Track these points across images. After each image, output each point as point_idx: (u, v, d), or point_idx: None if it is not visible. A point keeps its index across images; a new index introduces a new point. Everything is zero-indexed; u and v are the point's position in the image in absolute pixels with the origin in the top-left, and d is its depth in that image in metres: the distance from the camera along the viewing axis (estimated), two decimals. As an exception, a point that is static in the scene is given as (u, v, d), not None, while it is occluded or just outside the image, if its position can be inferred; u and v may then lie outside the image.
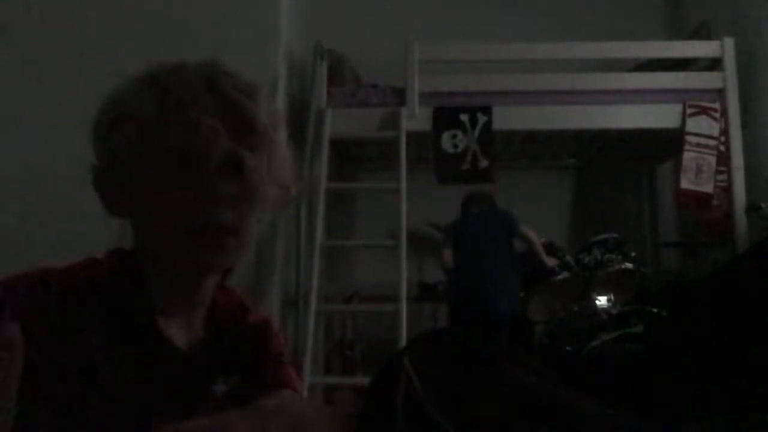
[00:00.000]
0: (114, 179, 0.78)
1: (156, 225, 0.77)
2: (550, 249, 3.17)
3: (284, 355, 1.00)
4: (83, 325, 0.72)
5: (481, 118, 3.31)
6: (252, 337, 0.95)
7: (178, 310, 0.83)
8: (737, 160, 3.24)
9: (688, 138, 3.27)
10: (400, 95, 3.36)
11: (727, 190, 3.24)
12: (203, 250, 0.76)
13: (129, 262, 0.80)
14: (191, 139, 0.74)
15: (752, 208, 3.11)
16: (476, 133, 3.31)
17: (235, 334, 0.92)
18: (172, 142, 0.75)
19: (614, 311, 2.82)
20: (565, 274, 3.03)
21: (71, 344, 0.70)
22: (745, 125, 3.27)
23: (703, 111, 3.29)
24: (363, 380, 3.10)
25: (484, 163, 3.31)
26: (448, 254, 3.32)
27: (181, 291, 0.83)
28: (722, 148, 3.27)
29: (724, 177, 3.26)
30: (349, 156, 4.03)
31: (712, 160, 3.26)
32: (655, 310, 2.72)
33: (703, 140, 3.27)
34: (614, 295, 3.05)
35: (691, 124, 3.28)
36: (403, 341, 2.92)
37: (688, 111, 3.29)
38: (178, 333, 0.83)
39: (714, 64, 3.41)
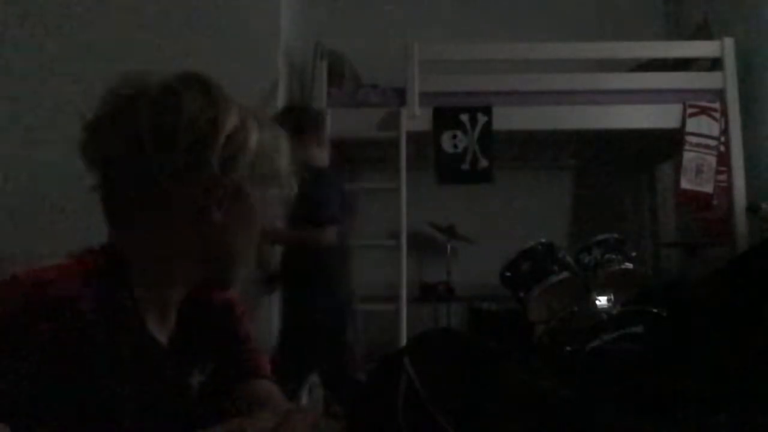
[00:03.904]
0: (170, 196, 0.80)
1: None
2: (550, 249, 3.17)
3: (251, 338, 1.01)
4: (76, 326, 0.71)
5: (481, 118, 3.31)
6: (220, 321, 0.96)
7: (157, 305, 0.84)
8: (737, 160, 3.24)
9: (688, 138, 3.27)
10: (400, 95, 3.36)
11: (727, 190, 3.24)
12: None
13: (114, 263, 0.79)
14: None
15: (752, 208, 3.11)
16: (476, 133, 3.31)
17: (204, 318, 0.93)
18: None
19: (614, 311, 2.81)
20: (565, 274, 3.03)
21: (64, 346, 0.70)
22: (745, 125, 3.27)
23: (703, 111, 3.29)
24: (363, 380, 3.09)
25: (484, 163, 3.31)
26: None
27: (163, 290, 0.85)
28: (722, 148, 3.27)
29: (724, 177, 3.26)
30: (349, 156, 4.03)
31: (712, 160, 3.26)
32: (655, 310, 2.71)
33: (703, 140, 3.27)
34: (614, 295, 3.05)
35: (691, 124, 3.28)
36: (403, 341, 2.92)
37: (688, 111, 3.29)
38: (157, 327, 0.84)
39: (714, 64, 3.41)
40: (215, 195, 0.80)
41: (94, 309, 0.73)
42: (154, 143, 0.77)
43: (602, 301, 3.03)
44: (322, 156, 2.41)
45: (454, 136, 3.32)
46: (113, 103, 0.80)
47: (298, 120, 2.37)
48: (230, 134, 0.80)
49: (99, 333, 0.73)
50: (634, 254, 3.23)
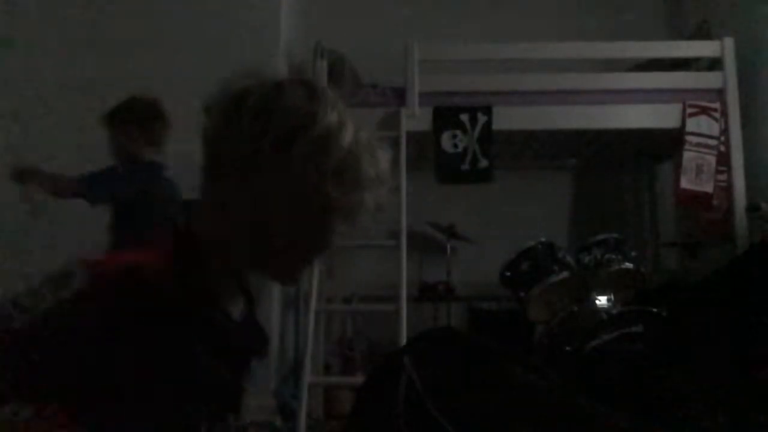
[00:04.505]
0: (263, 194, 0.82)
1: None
2: (550, 249, 3.17)
3: None
4: (164, 310, 0.76)
5: (481, 118, 3.31)
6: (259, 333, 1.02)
7: (226, 291, 0.89)
8: (737, 160, 3.24)
9: (688, 138, 3.27)
10: (400, 95, 3.36)
11: (727, 190, 3.24)
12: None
13: (190, 246, 0.84)
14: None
15: (752, 208, 3.10)
16: (476, 133, 3.31)
17: (255, 325, 0.99)
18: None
19: (614, 311, 2.81)
20: (565, 274, 3.03)
21: (155, 330, 0.75)
22: (745, 125, 3.27)
23: (703, 111, 3.29)
24: (363, 380, 3.09)
25: (484, 162, 3.31)
26: None
27: (237, 280, 0.90)
28: (722, 148, 3.27)
29: (724, 177, 3.26)
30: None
31: (712, 160, 3.26)
32: (655, 310, 2.72)
33: (703, 140, 3.26)
34: (614, 295, 3.05)
35: (691, 124, 3.28)
36: (403, 341, 2.92)
37: (688, 111, 3.29)
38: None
39: (714, 64, 3.41)
40: (291, 186, 0.81)
41: (178, 293, 0.78)
42: (250, 127, 0.80)
43: (602, 301, 3.03)
44: (148, 151, 2.41)
45: (454, 136, 3.32)
46: (226, 90, 0.84)
47: (134, 112, 2.41)
48: (324, 133, 0.81)
49: (183, 315, 0.78)
50: (634, 254, 3.23)
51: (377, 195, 0.86)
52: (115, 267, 0.76)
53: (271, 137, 0.79)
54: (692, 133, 3.27)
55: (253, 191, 0.81)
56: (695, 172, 3.26)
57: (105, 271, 0.76)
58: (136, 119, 2.40)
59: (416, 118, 3.31)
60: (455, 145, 3.32)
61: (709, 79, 3.37)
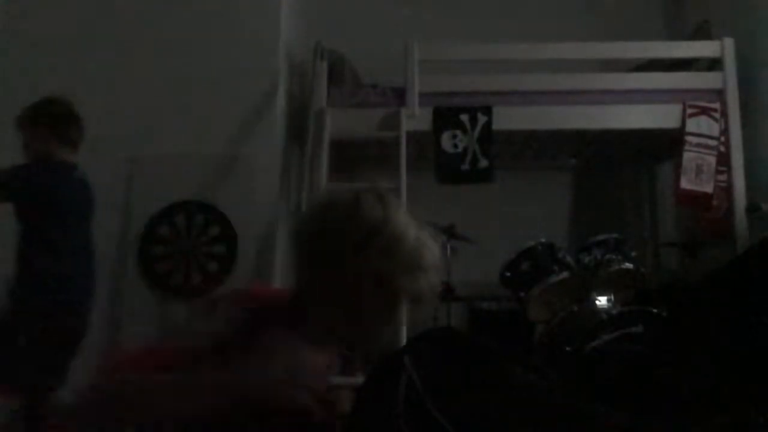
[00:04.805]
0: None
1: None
2: (550, 249, 3.17)
3: None
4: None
5: (481, 118, 3.31)
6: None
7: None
8: (737, 160, 3.24)
9: (688, 138, 3.27)
10: (400, 95, 3.35)
11: (727, 190, 3.24)
12: None
13: (302, 318, 1.04)
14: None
15: (752, 208, 3.10)
16: (476, 133, 3.31)
17: None
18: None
19: (614, 311, 2.81)
20: (565, 274, 3.03)
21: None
22: (745, 125, 3.27)
23: (703, 111, 3.29)
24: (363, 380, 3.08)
25: (484, 163, 3.31)
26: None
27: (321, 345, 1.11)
28: (722, 148, 3.27)
29: (724, 177, 3.26)
30: (349, 156, 4.02)
31: (712, 160, 3.26)
32: (655, 310, 2.72)
33: (703, 140, 3.27)
34: (614, 295, 3.05)
35: (691, 125, 3.28)
36: (403, 341, 2.92)
37: (688, 111, 3.29)
38: None
39: (714, 64, 3.41)
40: (369, 277, 0.98)
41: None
42: (336, 231, 0.99)
43: (602, 301, 3.03)
44: (60, 151, 2.38)
45: (454, 136, 3.32)
46: (316, 201, 1.09)
47: (47, 113, 2.39)
48: (394, 233, 0.98)
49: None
50: (634, 254, 3.23)
51: (433, 278, 1.03)
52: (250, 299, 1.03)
53: (353, 239, 0.97)
54: (692, 134, 3.27)
55: (337, 281, 0.99)
56: (695, 173, 3.26)
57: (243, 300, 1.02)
58: (49, 120, 2.38)
59: (416, 118, 3.31)
60: (455, 145, 3.32)
61: (708, 80, 3.36)
